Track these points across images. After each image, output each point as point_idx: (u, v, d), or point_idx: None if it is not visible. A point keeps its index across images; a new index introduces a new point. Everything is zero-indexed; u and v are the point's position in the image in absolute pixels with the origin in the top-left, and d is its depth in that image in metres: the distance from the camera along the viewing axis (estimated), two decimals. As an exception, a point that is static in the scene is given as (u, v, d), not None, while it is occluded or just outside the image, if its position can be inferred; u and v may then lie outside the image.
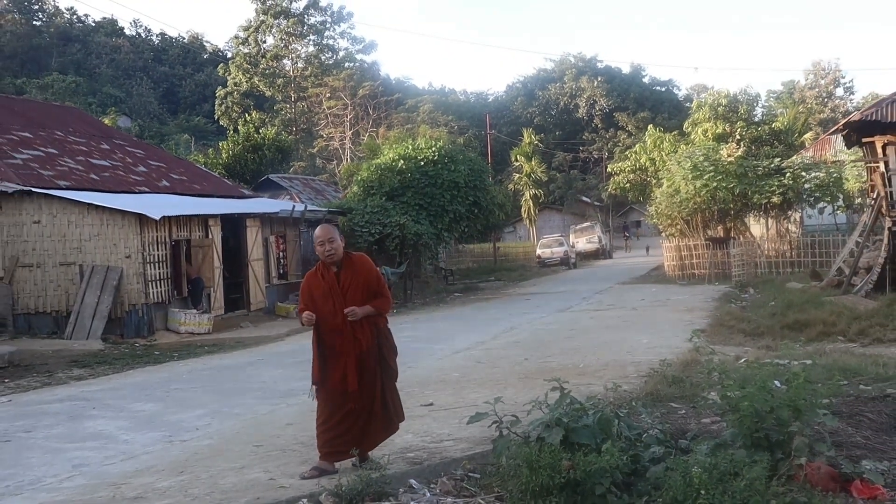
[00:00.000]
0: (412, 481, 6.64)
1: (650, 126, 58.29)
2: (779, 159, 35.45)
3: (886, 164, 19.61)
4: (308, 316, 7.16)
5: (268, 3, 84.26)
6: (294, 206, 29.34)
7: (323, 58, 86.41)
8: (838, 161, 38.00)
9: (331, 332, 7.21)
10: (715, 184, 32.84)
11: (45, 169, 23.91)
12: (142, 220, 21.32)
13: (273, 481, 7.13)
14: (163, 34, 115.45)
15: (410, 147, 35.61)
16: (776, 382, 6.16)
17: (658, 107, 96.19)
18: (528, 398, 7.24)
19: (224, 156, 51.78)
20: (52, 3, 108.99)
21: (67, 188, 22.89)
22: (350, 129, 71.89)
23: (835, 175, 33.78)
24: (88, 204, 21.58)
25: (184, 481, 7.38)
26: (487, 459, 6.72)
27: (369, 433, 7.21)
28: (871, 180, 21.30)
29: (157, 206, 22.86)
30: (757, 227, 37.59)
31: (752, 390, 5.73)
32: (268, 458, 7.94)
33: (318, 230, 7.44)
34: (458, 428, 8.56)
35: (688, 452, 5.91)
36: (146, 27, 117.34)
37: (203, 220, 23.98)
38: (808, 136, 57.24)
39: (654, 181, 45.08)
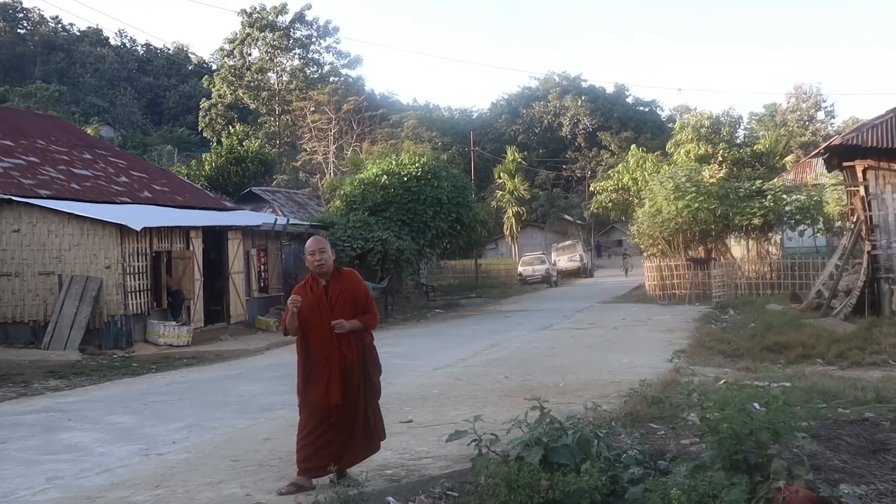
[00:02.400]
0: (390, 499, 6.61)
1: (633, 146, 58.46)
2: (760, 181, 35.66)
3: (867, 188, 19.73)
4: (294, 298, 7.15)
5: (254, 17, 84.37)
6: (276, 220, 29.26)
7: (308, 72, 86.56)
8: (819, 184, 38.26)
9: (316, 345, 7.19)
10: (697, 204, 32.96)
11: (26, 178, 23.78)
12: (123, 230, 21.21)
13: (250, 497, 7.08)
14: (148, 45, 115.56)
15: (394, 162, 35.61)
16: (755, 405, 6.15)
17: (641, 127, 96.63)
18: (507, 416, 7.23)
19: (207, 168, 51.70)
20: (37, 12, 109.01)
21: (48, 197, 22.77)
22: (334, 144, 71.84)
23: (815, 198, 34.01)
24: (69, 213, 21.46)
25: (159, 496, 7.31)
26: (466, 478, 6.69)
27: (350, 450, 7.15)
28: (852, 204, 21.43)
29: (139, 216, 22.76)
30: (738, 248, 37.76)
31: (731, 412, 5.73)
32: (245, 474, 7.88)
33: (309, 241, 7.46)
34: (437, 445, 8.53)
35: (667, 474, 5.89)
36: (131, 37, 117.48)
37: (184, 231, 23.89)
38: (789, 158, 57.63)
39: (637, 201, 45.24)
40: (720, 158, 46.95)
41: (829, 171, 26.30)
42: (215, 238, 25.50)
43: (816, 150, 24.49)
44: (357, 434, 7.16)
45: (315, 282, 7.34)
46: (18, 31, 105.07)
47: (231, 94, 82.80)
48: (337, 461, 7.02)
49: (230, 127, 67.26)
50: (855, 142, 19.67)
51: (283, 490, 7.09)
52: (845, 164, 20.82)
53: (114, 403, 13.02)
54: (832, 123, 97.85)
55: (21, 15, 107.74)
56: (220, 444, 9.51)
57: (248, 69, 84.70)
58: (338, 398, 7.05)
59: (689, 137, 49.78)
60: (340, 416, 7.08)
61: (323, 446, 7.09)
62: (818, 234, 37.87)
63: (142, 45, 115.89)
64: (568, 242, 69.37)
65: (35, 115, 37.31)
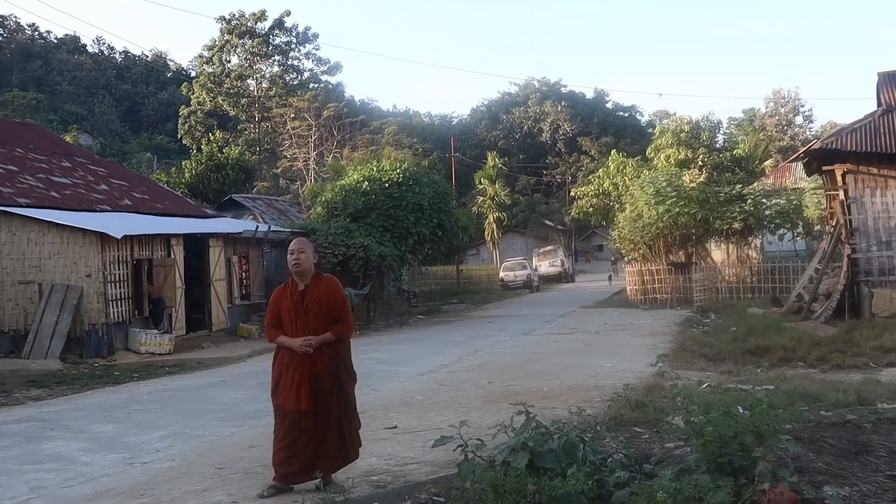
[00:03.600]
0: (376, 505, 6.61)
1: (613, 151, 58.74)
2: (740, 186, 35.86)
3: (846, 191, 19.86)
4: (306, 342, 7.18)
5: (233, 23, 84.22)
6: (257, 227, 29.21)
7: (287, 78, 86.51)
8: (798, 188, 38.53)
9: (289, 349, 7.20)
10: (677, 209, 33.11)
11: (5, 186, 23.64)
12: (103, 238, 21.14)
13: (236, 504, 7.07)
14: (126, 52, 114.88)
15: (375, 169, 35.64)
16: (739, 408, 6.19)
17: (621, 132, 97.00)
18: (492, 422, 7.23)
19: (187, 175, 51.51)
20: (14, 19, 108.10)
21: (27, 206, 22.66)
22: (314, 150, 71.79)
23: (795, 202, 34.25)
24: (49, 222, 21.37)
25: (145, 504, 7.29)
26: (452, 483, 6.68)
27: (322, 457, 7.13)
28: (831, 208, 21.58)
29: (119, 224, 22.67)
30: (718, 252, 37.90)
31: (716, 415, 5.76)
32: (230, 481, 7.86)
33: (293, 242, 7.48)
34: (423, 451, 8.53)
35: (652, 477, 5.92)
36: (109, 44, 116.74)
37: (165, 239, 23.82)
38: (768, 163, 58.06)
39: (618, 206, 45.37)
40: (700, 163, 47.19)
41: (809, 176, 26.44)
42: (196, 245, 25.43)
43: (796, 155, 24.62)
44: (329, 442, 7.14)
45: (294, 285, 7.35)
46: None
47: (210, 101, 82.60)
48: (309, 469, 7.04)
49: (210, 134, 66.97)
50: (834, 146, 19.81)
51: (266, 493, 7.12)
52: (825, 168, 20.96)
53: (96, 412, 12.95)
54: (810, 128, 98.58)
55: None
56: (205, 452, 9.47)
57: (228, 76, 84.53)
58: (307, 404, 7.06)
59: (669, 142, 49.99)
60: (311, 422, 7.08)
61: (295, 452, 7.10)
62: (798, 238, 38.12)
63: (120, 53, 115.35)
64: (549, 248, 69.51)
65: (13, 122, 37.07)
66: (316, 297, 7.27)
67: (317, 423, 7.10)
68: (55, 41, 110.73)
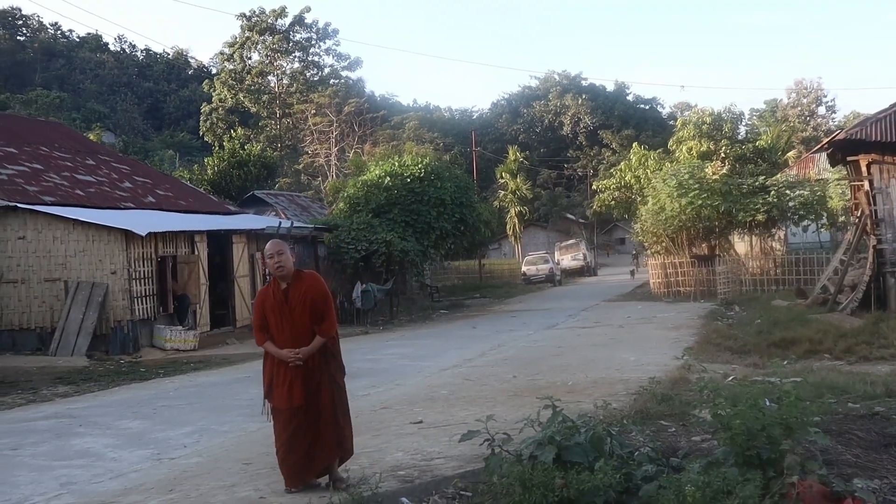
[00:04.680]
0: (404, 499, 6.63)
1: (635, 144, 58.40)
2: (763, 177, 35.60)
3: (871, 182, 19.72)
4: (293, 354, 7.18)
5: (253, 20, 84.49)
6: (280, 223, 29.28)
7: (308, 74, 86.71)
8: (822, 179, 38.21)
9: (279, 347, 7.22)
10: (700, 202, 32.97)
11: (31, 184, 23.81)
12: (128, 236, 21.25)
13: (263, 499, 7.11)
14: (147, 50, 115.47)
15: (397, 164, 35.65)
16: (766, 400, 6.16)
17: (642, 125, 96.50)
18: (518, 416, 7.24)
19: (209, 172, 51.73)
20: (37, 19, 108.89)
21: (53, 204, 22.81)
22: (335, 146, 71.88)
23: (819, 193, 33.97)
24: (74, 220, 21.51)
25: (173, 500, 7.33)
26: (479, 477, 6.70)
27: (318, 454, 7.15)
28: (856, 198, 21.42)
29: (143, 222, 22.81)
30: (741, 244, 37.72)
31: (743, 408, 5.74)
32: (257, 476, 7.89)
33: (268, 245, 7.45)
34: (449, 446, 8.54)
35: (680, 471, 5.91)
36: (131, 43, 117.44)
37: (189, 236, 23.93)
38: (791, 154, 57.61)
39: (640, 199, 45.20)
40: (722, 155, 46.89)
41: (833, 166, 26.25)
42: (220, 242, 25.54)
43: (820, 145, 24.46)
44: (324, 436, 7.15)
45: (277, 285, 7.37)
46: (18, 38, 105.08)
47: (232, 97, 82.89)
48: (308, 463, 7.12)
49: (231, 131, 67.23)
50: (859, 136, 19.65)
51: (294, 488, 7.16)
52: (849, 158, 20.82)
53: (123, 408, 13.05)
54: (833, 118, 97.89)
55: (20, 22, 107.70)
56: (231, 448, 9.53)
57: (249, 73, 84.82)
58: (300, 399, 7.09)
59: (691, 134, 49.69)
60: (304, 417, 7.12)
61: (292, 448, 7.15)
62: (822, 230, 37.84)
63: (141, 51, 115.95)
64: (571, 241, 69.42)
65: (38, 121, 37.39)
66: (299, 294, 7.26)
67: (310, 418, 7.13)
68: (77, 40, 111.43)
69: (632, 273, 53.19)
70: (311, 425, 7.13)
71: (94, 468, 8.83)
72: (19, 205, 21.66)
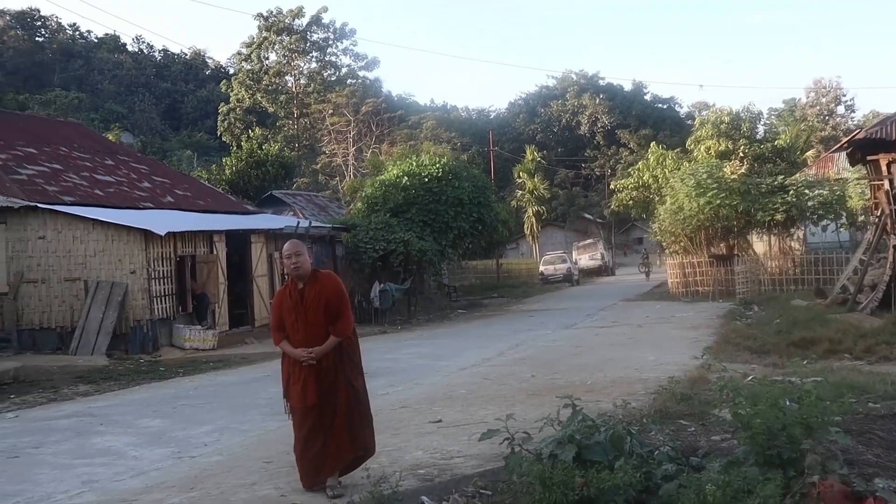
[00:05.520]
0: (424, 498, 6.66)
1: (653, 143, 58.26)
2: (782, 177, 35.47)
3: (891, 181, 19.63)
4: (307, 354, 7.21)
5: (270, 20, 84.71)
6: (298, 223, 29.34)
7: (325, 74, 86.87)
8: (841, 179, 38.05)
9: (294, 346, 7.25)
10: (718, 201, 32.89)
11: (50, 184, 23.95)
12: (147, 235, 21.35)
13: (284, 498, 7.15)
14: (165, 50, 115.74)
15: (414, 163, 35.68)
16: (786, 400, 6.16)
17: (660, 124, 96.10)
18: (537, 415, 7.25)
19: (227, 172, 51.88)
20: (55, 20, 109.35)
21: (72, 203, 22.93)
22: (353, 146, 72.09)
23: (838, 193, 33.82)
24: (93, 219, 21.62)
25: (194, 498, 7.38)
26: (499, 476, 6.72)
27: (331, 453, 7.14)
28: (875, 198, 21.30)
29: (162, 221, 22.91)
30: (760, 244, 37.59)
31: (763, 408, 5.74)
32: (278, 475, 7.93)
33: (286, 245, 7.46)
34: (468, 444, 8.56)
35: (700, 470, 5.92)
36: (149, 43, 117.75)
37: (208, 235, 24.02)
38: (809, 153, 57.39)
39: (657, 198, 45.11)
40: (741, 154, 46.68)
41: (853, 166, 26.14)
42: (238, 242, 25.63)
43: (840, 144, 24.37)
44: (336, 436, 7.14)
45: (294, 285, 7.39)
46: (37, 39, 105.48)
47: (249, 97, 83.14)
48: (320, 466, 7.13)
49: (249, 131, 67.38)
50: (879, 135, 19.57)
51: (331, 494, 7.09)
52: (869, 157, 20.72)
53: (143, 407, 13.13)
54: (853, 117, 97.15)
55: (39, 23, 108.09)
56: (251, 446, 9.58)
57: (266, 73, 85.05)
58: (314, 399, 7.10)
59: (709, 134, 49.52)
60: (317, 418, 7.14)
61: (305, 448, 7.18)
62: (841, 229, 37.65)
63: (159, 51, 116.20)
64: (589, 241, 69.31)
65: (57, 122, 37.61)
66: (314, 294, 7.28)
67: (324, 419, 7.14)
68: (96, 40, 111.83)
69: (646, 274, 52.53)
70: (326, 425, 7.15)
71: (116, 466, 8.90)
72: (39, 205, 21.76)
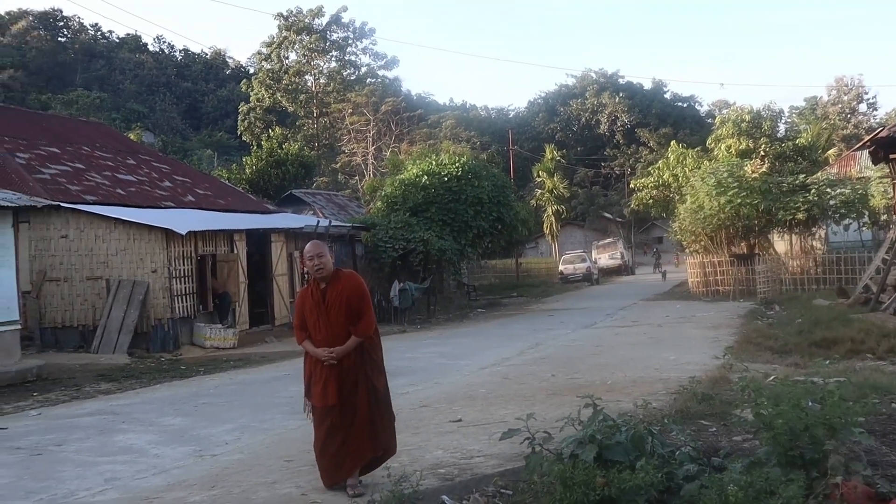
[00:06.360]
0: (444, 497, 6.66)
1: (673, 142, 58.04)
2: (803, 176, 35.29)
3: (914, 180, 19.50)
4: (328, 353, 7.23)
5: (290, 20, 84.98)
6: (318, 222, 29.39)
7: (345, 73, 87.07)
8: (864, 177, 37.79)
9: (316, 346, 7.26)
10: (739, 200, 32.74)
11: (73, 184, 24.11)
12: (168, 234, 21.44)
13: (305, 496, 7.16)
14: (186, 50, 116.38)
15: (434, 162, 35.67)
16: (809, 400, 6.12)
17: (680, 123, 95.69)
18: (557, 415, 7.23)
19: (247, 171, 52.11)
20: (77, 20, 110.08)
21: (94, 203, 23.09)
22: (373, 145, 72.18)
23: (860, 191, 33.59)
24: (115, 219, 21.74)
25: (216, 496, 7.40)
26: (520, 476, 6.71)
27: (350, 453, 7.13)
28: (898, 197, 21.17)
29: (183, 220, 23.00)
30: (781, 243, 37.41)
31: (786, 408, 5.71)
32: (299, 474, 7.95)
33: (307, 246, 7.47)
34: (489, 444, 8.56)
35: (721, 470, 5.89)
36: (169, 43, 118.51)
37: (228, 235, 24.10)
38: (831, 152, 57.04)
39: (678, 197, 44.94)
40: (762, 153, 46.50)
41: (875, 164, 25.93)
42: (259, 241, 25.71)
43: (862, 143, 24.18)
44: (356, 435, 7.14)
45: (316, 284, 7.40)
46: (59, 39, 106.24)
47: (269, 97, 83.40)
48: (339, 465, 7.13)
49: (269, 130, 67.57)
50: (902, 134, 19.44)
51: (351, 493, 7.09)
52: (891, 156, 20.59)
53: (165, 405, 13.19)
54: (875, 115, 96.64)
55: (62, 24, 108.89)
56: (273, 445, 9.61)
57: (286, 72, 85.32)
58: (334, 398, 7.11)
59: (730, 132, 49.36)
60: (337, 417, 7.13)
61: (325, 446, 7.20)
62: (864, 228, 37.39)
63: (180, 51, 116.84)
64: (608, 240, 69.14)
65: (79, 121, 37.84)
66: (336, 294, 7.28)
67: (344, 418, 7.14)
68: (117, 41, 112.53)
69: (663, 275, 51.63)
70: (346, 425, 7.15)
71: (138, 464, 8.94)
72: (62, 204, 21.87)
